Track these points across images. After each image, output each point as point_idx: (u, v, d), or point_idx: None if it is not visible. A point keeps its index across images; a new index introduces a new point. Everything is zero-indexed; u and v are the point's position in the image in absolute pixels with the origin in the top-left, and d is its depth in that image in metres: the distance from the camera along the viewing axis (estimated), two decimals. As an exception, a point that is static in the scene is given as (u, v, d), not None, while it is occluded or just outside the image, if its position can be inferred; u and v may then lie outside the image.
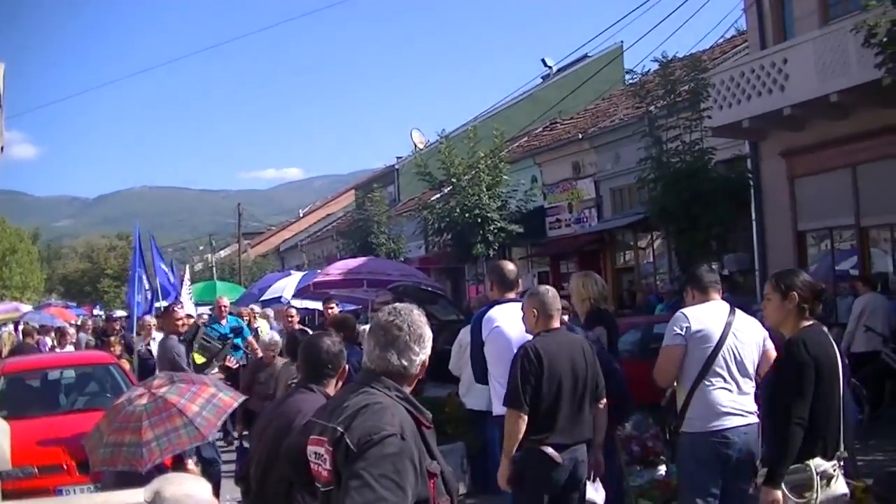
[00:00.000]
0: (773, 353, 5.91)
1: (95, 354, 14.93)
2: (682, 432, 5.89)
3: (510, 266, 7.39)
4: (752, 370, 5.99)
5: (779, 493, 4.90)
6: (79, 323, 26.13)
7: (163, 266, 19.85)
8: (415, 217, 31.00)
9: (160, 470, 6.50)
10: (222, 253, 76.36)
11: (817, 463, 4.87)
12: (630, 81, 22.29)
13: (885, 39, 12.14)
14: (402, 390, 3.69)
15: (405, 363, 3.70)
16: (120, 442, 6.26)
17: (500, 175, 26.89)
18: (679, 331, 5.95)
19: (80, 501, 6.80)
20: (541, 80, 39.88)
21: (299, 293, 20.19)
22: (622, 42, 34.57)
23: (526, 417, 5.87)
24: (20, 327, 27.01)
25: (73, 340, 19.04)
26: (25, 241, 74.82)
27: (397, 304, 3.85)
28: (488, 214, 26.17)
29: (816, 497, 4.80)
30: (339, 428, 3.49)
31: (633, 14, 21.56)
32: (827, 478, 4.87)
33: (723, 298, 6.32)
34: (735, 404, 5.86)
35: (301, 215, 75.41)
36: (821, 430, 4.93)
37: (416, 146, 41.21)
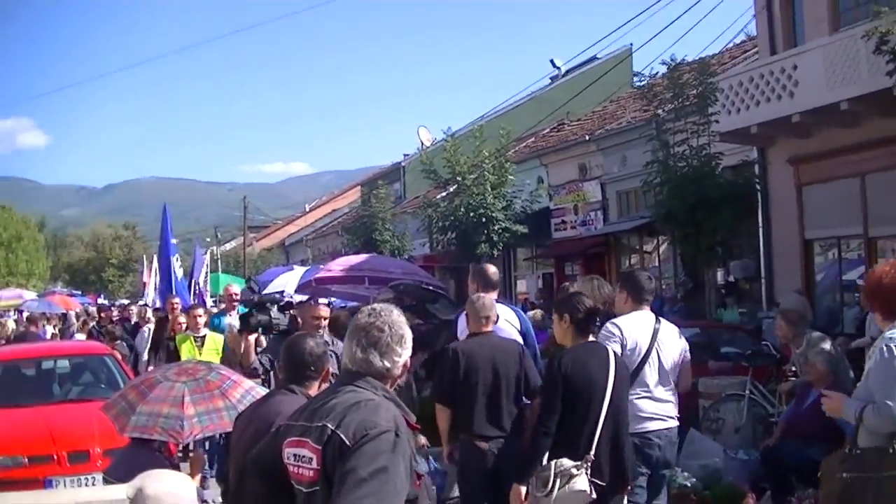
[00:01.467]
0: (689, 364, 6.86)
1: (91, 345, 14.87)
2: None
3: (492, 269, 7.98)
4: (672, 378, 6.64)
5: (523, 489, 5.64)
6: (78, 311, 26.16)
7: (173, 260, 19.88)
8: (419, 215, 30.87)
9: (166, 458, 6.40)
10: (227, 246, 76.41)
11: (560, 463, 5.47)
12: (638, 84, 22.13)
13: (896, 47, 12.01)
14: (388, 390, 3.66)
15: (388, 364, 3.67)
16: (157, 412, 6.11)
17: (505, 175, 26.79)
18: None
19: (65, 496, 6.65)
20: (549, 81, 39.74)
21: (301, 288, 20.08)
22: (631, 44, 34.51)
23: (449, 411, 6.76)
24: (24, 314, 27.08)
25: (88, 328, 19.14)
26: (31, 229, 75.14)
27: (376, 305, 3.82)
28: (493, 214, 26.06)
29: (555, 490, 5.41)
30: (329, 425, 3.43)
31: (642, 16, 21.50)
32: (567, 476, 5.44)
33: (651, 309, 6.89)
34: (656, 410, 6.49)
35: (307, 210, 75.26)
36: (571, 436, 5.58)
37: (422, 143, 41.02)
